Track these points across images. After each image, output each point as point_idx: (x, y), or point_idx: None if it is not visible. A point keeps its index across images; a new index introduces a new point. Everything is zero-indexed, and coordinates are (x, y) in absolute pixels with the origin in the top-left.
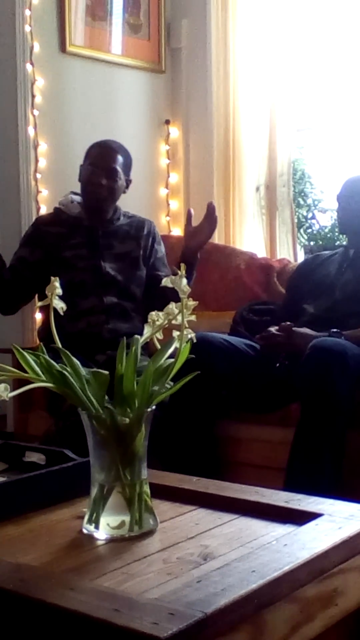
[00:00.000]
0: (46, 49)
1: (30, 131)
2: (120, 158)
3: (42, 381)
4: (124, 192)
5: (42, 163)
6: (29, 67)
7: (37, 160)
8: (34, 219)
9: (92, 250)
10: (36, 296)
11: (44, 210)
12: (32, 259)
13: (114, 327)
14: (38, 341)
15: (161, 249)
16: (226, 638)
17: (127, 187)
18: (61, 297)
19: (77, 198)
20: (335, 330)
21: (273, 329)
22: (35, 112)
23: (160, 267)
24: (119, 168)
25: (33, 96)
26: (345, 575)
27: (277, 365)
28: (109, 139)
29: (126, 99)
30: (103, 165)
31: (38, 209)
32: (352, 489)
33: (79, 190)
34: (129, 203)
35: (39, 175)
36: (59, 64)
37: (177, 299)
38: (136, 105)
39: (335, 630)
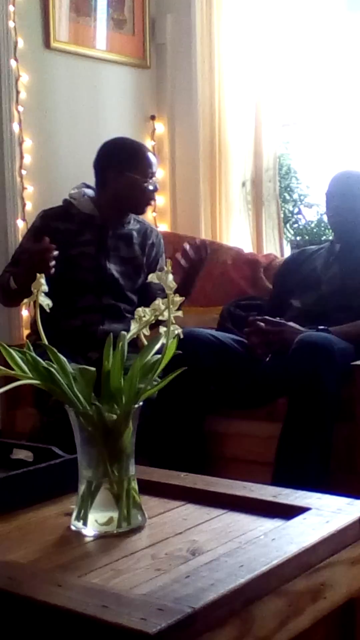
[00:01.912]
0: (30, 44)
1: (15, 127)
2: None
3: (29, 378)
4: None
5: (27, 159)
6: (13, 63)
7: (22, 157)
8: (19, 215)
9: (100, 250)
10: None
11: (29, 207)
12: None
13: (109, 328)
14: (25, 338)
15: (162, 260)
16: (215, 633)
17: None
18: (60, 293)
19: (90, 192)
20: (322, 327)
21: (261, 325)
22: (20, 109)
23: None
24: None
25: (17, 92)
26: (333, 569)
27: (267, 359)
28: (139, 141)
29: (111, 95)
30: (154, 173)
31: (23, 205)
32: (339, 483)
33: (91, 183)
34: None
35: (24, 172)
36: (43, 60)
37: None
38: (121, 100)
39: (323, 624)
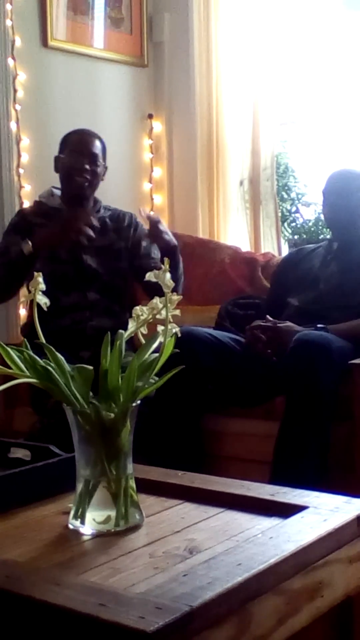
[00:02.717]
0: (28, 43)
1: (13, 126)
2: (98, 143)
3: (26, 377)
4: (102, 180)
5: (25, 158)
6: (10, 61)
7: (19, 155)
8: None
9: (73, 244)
10: (20, 291)
11: (26, 205)
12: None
13: (98, 324)
14: (22, 337)
15: (145, 239)
16: (213, 631)
17: (104, 174)
18: (44, 292)
19: (57, 192)
20: (320, 325)
21: (259, 322)
22: (17, 107)
23: (150, 255)
24: (99, 153)
25: (15, 91)
26: (331, 567)
27: (274, 358)
28: (83, 128)
29: (108, 93)
30: (85, 151)
31: (21, 204)
32: (337, 481)
33: (59, 185)
34: (113, 197)
35: (21, 170)
36: (40, 59)
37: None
38: (119, 99)
39: (321, 622)
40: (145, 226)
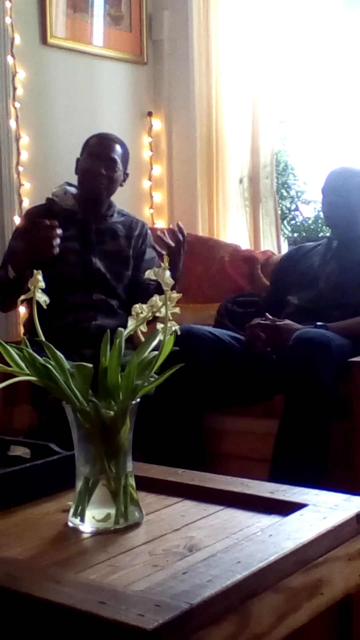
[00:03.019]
0: (27, 41)
1: (12, 124)
2: (119, 149)
3: (26, 375)
4: (121, 185)
5: (24, 156)
6: (10, 59)
7: (19, 153)
8: (16, 212)
9: (84, 245)
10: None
11: (26, 203)
12: None
13: (102, 323)
14: (23, 335)
15: (150, 252)
16: (212, 629)
17: (124, 180)
18: (48, 292)
19: (72, 190)
20: (320, 323)
21: (259, 320)
22: (17, 105)
23: (146, 269)
24: (118, 158)
25: (14, 88)
26: (331, 565)
27: (274, 356)
28: (107, 132)
29: (108, 91)
30: (103, 155)
31: (20, 202)
32: (336, 479)
33: (74, 181)
34: (113, 195)
35: (21, 168)
36: (40, 56)
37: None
38: (118, 97)
39: (321, 620)
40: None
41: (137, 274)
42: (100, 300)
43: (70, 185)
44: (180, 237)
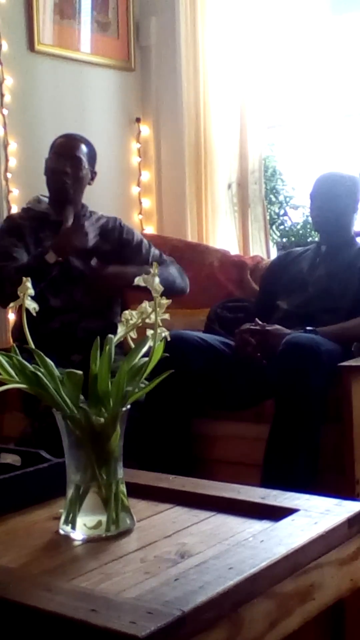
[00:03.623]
0: (14, 47)
1: (0, 130)
2: (84, 148)
3: (16, 382)
4: (89, 184)
5: (12, 162)
6: None
7: (7, 160)
8: (4, 217)
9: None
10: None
11: (14, 210)
12: (22, 245)
13: (87, 326)
14: (11, 342)
15: (135, 237)
16: (204, 635)
17: (92, 179)
18: (33, 296)
19: (45, 199)
20: (309, 328)
21: (248, 325)
22: (5, 112)
23: (140, 251)
24: (82, 157)
25: (2, 95)
26: (322, 570)
27: (264, 362)
28: (73, 132)
29: (96, 97)
30: (67, 154)
31: (9, 208)
32: (327, 484)
33: (47, 193)
34: (101, 201)
35: (9, 175)
36: (27, 63)
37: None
38: (106, 103)
39: (313, 625)
40: None
41: (132, 263)
42: (83, 301)
43: (43, 196)
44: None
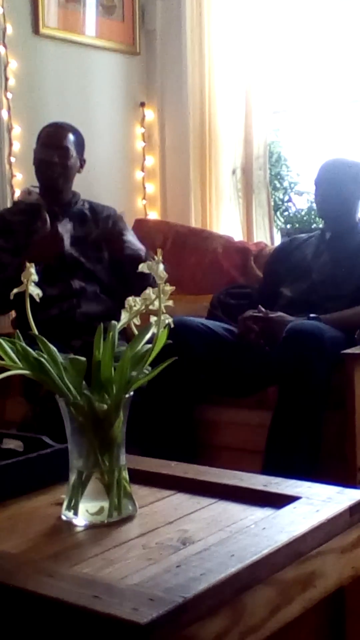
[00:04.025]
0: (19, 31)
1: (4, 114)
2: (71, 136)
3: (19, 368)
4: (79, 172)
5: (16, 146)
6: (1, 49)
7: (10, 144)
8: (8, 202)
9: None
10: None
11: (18, 194)
12: (9, 246)
13: (87, 310)
14: (13, 328)
15: (127, 229)
16: (206, 622)
17: (81, 166)
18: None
19: (35, 189)
20: (313, 315)
21: (251, 312)
22: (9, 95)
23: (133, 243)
24: (70, 146)
25: (6, 79)
26: (324, 558)
27: (267, 348)
28: (59, 121)
29: (101, 81)
30: (54, 144)
31: (13, 192)
32: (330, 471)
33: (36, 183)
34: (105, 186)
35: (13, 159)
36: (32, 46)
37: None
38: (111, 87)
39: (313, 613)
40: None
41: (126, 252)
42: (81, 288)
43: (34, 187)
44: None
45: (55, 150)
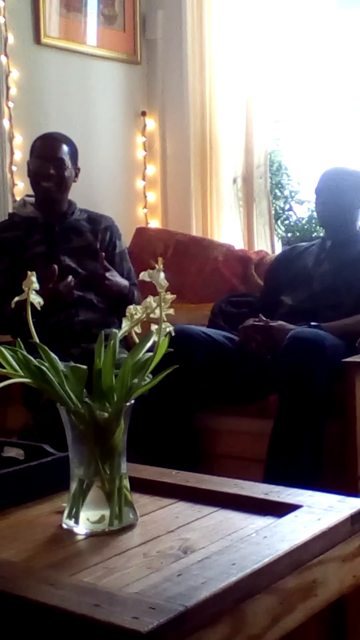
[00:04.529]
0: (21, 40)
1: (5, 123)
2: (65, 147)
3: (20, 377)
4: (74, 181)
5: (18, 155)
6: (3, 58)
7: (12, 153)
8: (9, 211)
9: (51, 247)
10: None
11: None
12: (2, 267)
13: (85, 319)
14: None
15: (120, 244)
16: (207, 631)
17: (76, 175)
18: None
19: (31, 200)
20: (314, 323)
21: (252, 321)
22: (10, 104)
23: (122, 264)
24: (65, 157)
25: (8, 88)
26: (325, 566)
27: (268, 357)
28: (52, 132)
29: (102, 91)
30: (49, 156)
31: (14, 201)
32: (331, 480)
33: (32, 193)
34: (106, 195)
35: (14, 168)
36: (33, 56)
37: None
38: (112, 96)
39: (315, 621)
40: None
41: (106, 294)
42: (79, 298)
43: (29, 196)
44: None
45: (51, 162)
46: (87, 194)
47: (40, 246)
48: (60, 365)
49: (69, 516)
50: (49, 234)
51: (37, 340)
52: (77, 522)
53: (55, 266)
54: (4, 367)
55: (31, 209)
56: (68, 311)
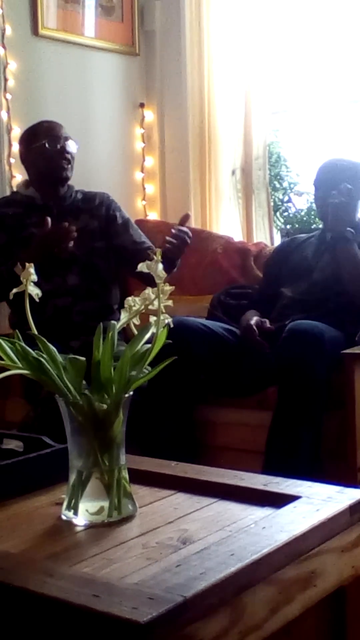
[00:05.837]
0: (18, 32)
1: (3, 115)
2: (64, 131)
3: (19, 368)
4: None
5: (16, 147)
6: (1, 50)
7: (10, 145)
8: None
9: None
10: None
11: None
12: (0, 242)
13: (83, 309)
14: (11, 328)
15: (121, 214)
16: (206, 621)
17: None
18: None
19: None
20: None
21: (257, 320)
22: (8, 96)
23: (129, 231)
24: (69, 137)
25: (5, 80)
26: (324, 557)
27: (268, 350)
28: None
29: (100, 82)
30: (60, 136)
31: (12, 193)
32: (330, 471)
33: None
34: (104, 187)
35: (12, 160)
36: (31, 47)
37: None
38: (110, 88)
39: (314, 612)
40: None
41: (118, 241)
42: (77, 285)
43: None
44: (187, 238)
45: (63, 141)
46: (85, 185)
47: (38, 227)
48: (59, 356)
49: (68, 507)
50: (47, 216)
51: (36, 332)
52: (76, 513)
53: (49, 218)
54: (2, 359)
55: (31, 189)
56: (65, 300)
